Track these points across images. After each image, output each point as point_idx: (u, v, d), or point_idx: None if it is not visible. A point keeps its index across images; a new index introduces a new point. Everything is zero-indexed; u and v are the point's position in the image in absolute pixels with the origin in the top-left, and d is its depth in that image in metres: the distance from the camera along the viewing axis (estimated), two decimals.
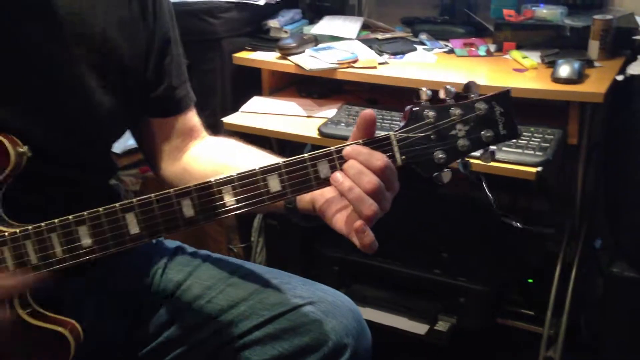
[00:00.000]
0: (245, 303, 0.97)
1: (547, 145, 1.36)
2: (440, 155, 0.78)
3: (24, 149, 0.82)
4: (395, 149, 0.78)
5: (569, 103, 1.47)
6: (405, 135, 0.78)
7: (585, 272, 1.70)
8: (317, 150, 0.78)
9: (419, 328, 1.65)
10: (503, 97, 0.78)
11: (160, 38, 0.97)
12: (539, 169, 1.31)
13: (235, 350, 0.95)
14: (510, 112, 0.78)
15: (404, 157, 0.78)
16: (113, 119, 0.94)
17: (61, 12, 0.86)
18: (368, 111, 0.78)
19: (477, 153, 0.80)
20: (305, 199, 0.86)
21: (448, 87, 0.79)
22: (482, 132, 0.78)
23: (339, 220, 0.80)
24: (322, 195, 0.83)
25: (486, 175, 1.49)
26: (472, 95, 0.78)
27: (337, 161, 0.77)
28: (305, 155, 0.78)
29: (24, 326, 0.80)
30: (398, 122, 1.54)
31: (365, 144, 0.78)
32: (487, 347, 1.75)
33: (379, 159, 0.76)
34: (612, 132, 1.61)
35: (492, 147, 0.79)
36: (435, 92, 0.79)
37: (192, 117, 1.05)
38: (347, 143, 0.79)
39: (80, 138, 0.91)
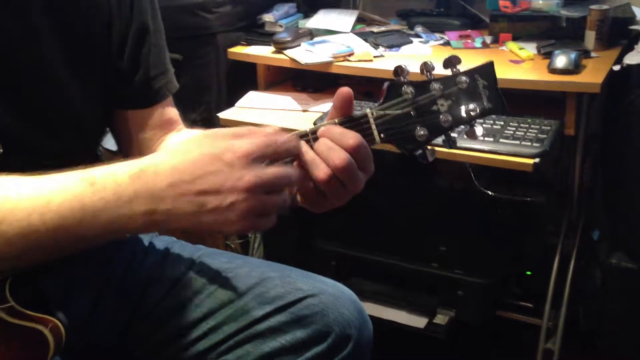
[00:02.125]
0: (246, 296, 0.96)
1: (544, 136, 1.35)
2: (421, 132, 0.75)
3: None
4: (373, 126, 0.74)
5: (566, 94, 1.46)
6: (383, 112, 0.74)
7: (583, 263, 1.70)
8: None
9: (418, 321, 1.65)
10: (486, 69, 0.76)
11: (137, 27, 0.94)
12: (536, 160, 1.30)
13: (236, 344, 0.94)
14: (494, 84, 0.75)
15: (382, 135, 0.75)
16: (89, 111, 0.92)
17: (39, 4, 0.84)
18: (344, 88, 0.75)
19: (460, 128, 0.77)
20: None
21: (427, 61, 0.76)
22: (466, 107, 0.75)
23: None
24: None
25: (483, 167, 1.49)
26: (453, 70, 0.76)
27: (313, 142, 0.74)
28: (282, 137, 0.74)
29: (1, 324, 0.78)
30: None
31: (340, 123, 0.74)
32: (486, 340, 1.75)
33: (352, 137, 0.72)
34: (609, 122, 1.60)
35: (477, 122, 0.76)
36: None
37: (170, 109, 1.02)
38: (324, 123, 0.76)
39: (57, 133, 0.89)
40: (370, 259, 1.74)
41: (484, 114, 0.76)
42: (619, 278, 1.46)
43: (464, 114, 0.75)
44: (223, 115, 1.69)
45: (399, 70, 0.76)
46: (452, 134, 0.76)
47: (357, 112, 0.75)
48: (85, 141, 0.97)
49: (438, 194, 1.77)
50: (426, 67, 0.76)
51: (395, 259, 1.72)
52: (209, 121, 1.78)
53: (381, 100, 0.76)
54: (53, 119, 0.88)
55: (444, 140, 0.77)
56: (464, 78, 0.75)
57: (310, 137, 0.74)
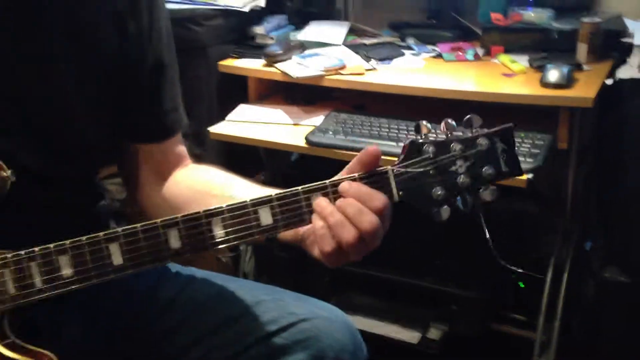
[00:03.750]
0: (239, 321, 0.95)
1: (538, 151, 1.35)
2: (439, 192, 0.76)
3: (7, 173, 0.79)
4: (393, 184, 0.76)
5: (559, 108, 1.46)
6: (404, 170, 0.76)
7: (577, 275, 1.69)
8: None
9: (411, 336, 1.64)
10: (505, 132, 0.77)
11: (153, 61, 0.94)
12: (530, 176, 1.30)
13: None
14: (512, 148, 0.77)
15: (401, 192, 0.76)
16: (100, 143, 0.91)
17: (61, 24, 0.84)
18: (374, 148, 0.76)
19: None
20: (288, 233, 0.83)
21: (449, 120, 0.77)
22: (483, 169, 0.76)
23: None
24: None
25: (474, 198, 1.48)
26: (473, 130, 0.77)
27: (332, 195, 0.76)
28: (299, 188, 0.76)
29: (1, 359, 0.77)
30: (387, 129, 1.52)
31: (361, 179, 0.76)
32: (480, 354, 1.74)
33: (380, 199, 0.74)
34: (602, 135, 1.60)
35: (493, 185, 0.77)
36: (435, 126, 0.77)
37: (179, 144, 1.02)
38: (342, 177, 0.77)
39: (66, 162, 0.89)
40: (363, 274, 1.73)
41: (500, 178, 0.77)
42: (614, 292, 1.46)
43: (481, 177, 0.77)
44: (214, 129, 1.67)
45: (421, 127, 0.77)
46: (468, 196, 0.78)
47: (377, 168, 0.76)
48: (88, 166, 0.96)
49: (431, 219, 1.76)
50: (448, 127, 0.77)
51: (388, 273, 1.72)
52: (200, 135, 1.77)
53: (402, 157, 0.77)
54: (62, 145, 0.88)
55: (459, 201, 0.78)
56: (484, 141, 0.76)
57: (330, 189, 0.75)
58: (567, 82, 1.43)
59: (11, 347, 0.78)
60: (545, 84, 1.45)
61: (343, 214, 0.73)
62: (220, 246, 0.77)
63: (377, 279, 1.72)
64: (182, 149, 1.02)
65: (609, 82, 1.43)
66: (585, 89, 1.43)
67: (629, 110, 1.41)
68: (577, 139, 1.51)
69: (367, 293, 1.75)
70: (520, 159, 1.30)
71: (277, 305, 0.96)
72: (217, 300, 0.98)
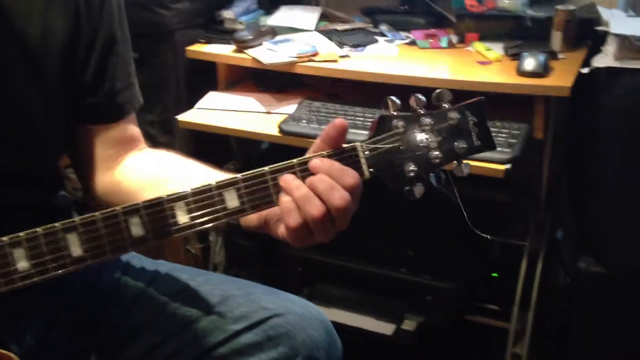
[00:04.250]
0: (207, 317, 0.92)
1: (515, 141, 1.33)
2: (411, 168, 0.74)
3: None
4: (362, 160, 0.74)
5: (535, 97, 1.44)
6: (373, 146, 0.74)
7: (549, 264, 1.69)
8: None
9: (386, 328, 1.62)
10: (476, 106, 0.75)
11: (104, 37, 0.89)
12: (508, 166, 1.28)
13: None
14: (484, 121, 0.75)
15: (371, 169, 0.74)
16: (50, 126, 0.86)
17: (4, 7, 0.79)
18: (340, 120, 0.73)
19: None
20: (250, 216, 0.79)
21: (418, 95, 0.75)
22: (455, 144, 0.74)
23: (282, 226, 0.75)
24: None
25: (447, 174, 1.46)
26: (444, 105, 0.75)
27: (300, 174, 0.73)
28: (265, 168, 0.73)
29: None
30: (361, 118, 1.49)
31: (330, 156, 0.73)
32: (455, 345, 1.73)
33: (352, 176, 0.71)
34: (575, 124, 1.59)
35: (466, 160, 0.76)
36: (405, 101, 0.74)
37: (133, 126, 0.97)
38: (311, 155, 0.74)
39: (16, 148, 0.84)
40: (336, 264, 1.71)
41: (472, 152, 0.76)
42: (588, 282, 1.45)
43: (453, 151, 0.75)
44: (182, 117, 1.62)
45: (389, 103, 0.75)
46: (441, 171, 0.76)
47: (345, 145, 0.74)
48: (45, 157, 0.91)
49: (403, 197, 1.74)
50: (417, 101, 0.75)
51: (361, 264, 1.70)
52: (167, 123, 1.71)
53: (372, 134, 0.74)
54: (12, 132, 0.83)
55: (432, 177, 0.76)
56: (454, 114, 0.75)
57: (298, 168, 0.72)
58: (543, 71, 1.42)
59: None
60: (521, 73, 1.43)
61: (313, 190, 0.71)
62: (185, 232, 0.73)
63: (350, 269, 1.70)
64: (137, 130, 0.98)
65: (584, 70, 1.41)
66: (561, 78, 1.42)
67: (603, 99, 1.39)
68: (552, 129, 1.50)
69: (339, 284, 1.72)
70: (497, 149, 1.30)
71: (247, 300, 0.93)
72: (184, 296, 0.95)
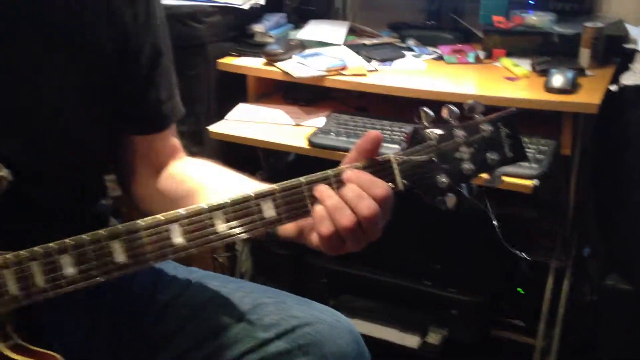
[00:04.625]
0: (238, 325, 0.93)
1: (543, 157, 1.34)
2: (443, 179, 0.75)
3: (3, 172, 0.77)
4: (397, 172, 0.75)
5: (562, 113, 1.45)
6: (407, 158, 0.75)
7: (576, 281, 1.69)
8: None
9: (411, 340, 1.62)
10: (509, 118, 0.76)
11: (150, 49, 0.91)
12: (536, 182, 1.28)
13: None
14: (516, 133, 0.76)
15: (405, 181, 0.75)
16: (95, 136, 0.89)
17: (50, 21, 0.81)
18: (374, 132, 0.75)
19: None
20: (287, 225, 0.81)
21: (451, 106, 0.76)
22: (488, 155, 0.75)
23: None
24: None
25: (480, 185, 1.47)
26: (476, 116, 0.76)
27: (335, 185, 0.74)
28: (301, 179, 0.74)
29: None
30: (388, 131, 1.51)
31: (364, 168, 0.74)
32: None
33: (382, 186, 0.72)
34: (603, 141, 1.59)
35: (499, 171, 0.76)
36: (437, 113, 0.76)
37: (174, 136, 1.00)
38: (345, 166, 0.75)
39: (62, 158, 0.86)
40: (362, 276, 1.72)
41: (505, 163, 0.76)
42: (615, 299, 1.45)
43: (486, 163, 0.76)
44: (213, 128, 1.65)
45: (422, 114, 0.76)
46: (473, 182, 0.77)
47: (379, 157, 0.75)
48: (90, 166, 0.94)
49: (431, 210, 1.75)
50: (450, 112, 0.76)
51: (387, 277, 1.70)
52: (198, 134, 1.74)
53: (405, 145, 0.75)
54: (58, 142, 0.85)
55: (464, 188, 0.77)
56: (487, 126, 0.75)
57: (333, 179, 0.74)
58: (571, 87, 1.43)
59: (15, 348, 0.76)
60: (549, 89, 1.44)
61: (343, 198, 0.72)
62: (223, 240, 0.75)
63: (375, 281, 1.71)
64: (177, 141, 1.00)
65: (613, 88, 1.42)
66: (589, 95, 1.43)
67: (631, 116, 1.40)
68: (579, 145, 1.50)
69: (365, 296, 1.73)
70: (525, 164, 1.31)
71: (278, 308, 0.94)
72: (215, 303, 0.96)
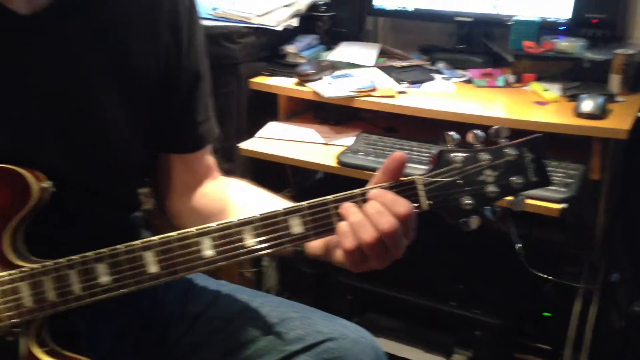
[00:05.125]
0: (265, 338, 0.95)
1: (571, 181, 1.34)
2: (467, 201, 0.76)
3: (47, 184, 0.81)
4: (421, 193, 0.77)
5: (592, 138, 1.45)
6: (432, 179, 0.77)
7: (603, 306, 1.67)
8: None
9: None
10: (534, 142, 0.77)
11: (190, 73, 0.95)
12: (563, 205, 1.28)
13: None
14: (541, 158, 0.77)
15: (430, 202, 0.77)
16: (134, 153, 0.93)
17: (100, 46, 0.85)
18: (399, 153, 0.77)
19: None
20: (315, 243, 0.84)
21: (476, 131, 0.77)
22: (512, 179, 0.76)
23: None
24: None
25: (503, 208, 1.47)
26: (501, 140, 0.77)
27: (360, 203, 0.76)
28: (329, 197, 0.77)
29: None
30: (417, 152, 1.52)
31: (390, 188, 0.76)
32: None
33: (404, 205, 0.74)
34: (633, 165, 1.58)
35: (523, 194, 0.77)
36: (463, 136, 0.78)
37: (209, 156, 1.03)
38: (372, 186, 0.77)
39: (105, 176, 0.90)
40: (387, 295, 1.72)
41: (529, 188, 0.77)
42: None
43: (510, 187, 0.76)
44: (244, 145, 1.69)
45: (447, 137, 0.77)
46: (497, 206, 0.78)
47: (405, 178, 0.77)
48: (127, 181, 0.97)
49: (456, 231, 1.75)
50: (475, 137, 0.77)
51: (412, 296, 1.70)
52: (229, 151, 1.78)
53: (431, 167, 0.77)
54: (99, 158, 0.89)
55: (488, 211, 0.78)
56: (512, 151, 0.76)
57: (360, 198, 0.76)
58: (601, 113, 1.43)
59: (51, 354, 0.79)
60: (579, 114, 1.44)
61: (365, 214, 0.74)
62: (251, 255, 0.77)
63: (400, 300, 1.71)
64: (212, 160, 1.04)
65: None
66: (619, 121, 1.43)
67: None
68: (609, 170, 1.50)
69: (389, 314, 1.73)
70: (554, 188, 1.31)
71: (304, 323, 0.96)
72: (243, 316, 0.98)
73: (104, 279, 0.78)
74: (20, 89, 0.81)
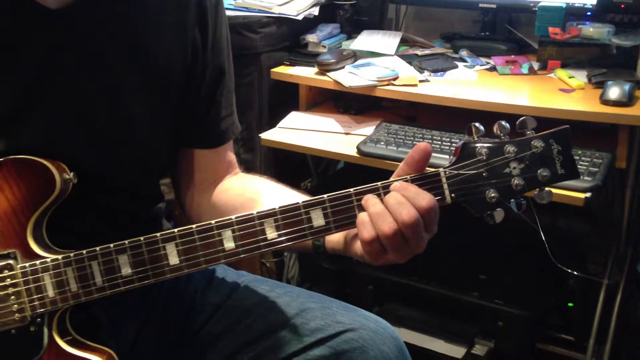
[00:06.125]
0: (285, 328, 0.95)
1: (597, 170, 1.31)
2: (492, 194, 0.75)
3: (69, 175, 0.82)
4: (445, 185, 0.76)
5: (618, 126, 1.42)
6: (456, 172, 0.76)
7: (629, 297, 1.64)
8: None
9: (456, 351, 1.61)
10: (561, 134, 0.75)
11: (214, 69, 0.96)
12: (588, 194, 1.26)
13: None
14: (568, 150, 0.75)
15: (453, 195, 0.76)
16: (157, 147, 0.93)
17: (130, 42, 0.86)
18: (424, 144, 0.76)
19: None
20: (335, 238, 0.83)
21: (502, 122, 0.76)
22: (538, 171, 0.75)
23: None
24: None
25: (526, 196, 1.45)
26: (527, 132, 0.76)
27: (383, 196, 0.76)
28: (351, 190, 0.76)
29: (62, 355, 0.80)
30: (439, 141, 1.51)
31: (413, 180, 0.76)
32: None
33: (426, 198, 0.74)
34: None
35: (548, 188, 0.76)
36: (487, 127, 0.76)
37: (230, 152, 1.04)
38: (395, 179, 0.77)
39: (127, 169, 0.91)
40: (408, 285, 1.71)
41: (556, 180, 0.76)
42: None
43: (536, 179, 0.75)
44: (265, 135, 1.69)
45: (473, 129, 0.76)
46: (522, 198, 0.76)
47: (429, 170, 0.76)
48: (150, 174, 0.98)
49: (479, 221, 1.74)
50: (501, 128, 0.76)
51: (433, 286, 1.69)
52: (250, 141, 1.78)
53: (454, 159, 0.76)
54: (123, 152, 0.90)
55: (513, 203, 0.77)
56: (539, 142, 0.75)
57: (382, 191, 0.76)
58: (628, 100, 1.40)
59: (73, 343, 0.80)
60: (605, 101, 1.41)
61: (385, 206, 0.74)
62: (272, 247, 0.77)
63: (421, 290, 1.70)
64: (233, 156, 1.04)
65: None
66: None
67: None
68: (635, 159, 1.47)
69: (410, 305, 1.73)
70: None
71: (323, 313, 0.96)
72: (263, 306, 0.99)
73: (126, 270, 0.79)
74: (46, 83, 0.82)
